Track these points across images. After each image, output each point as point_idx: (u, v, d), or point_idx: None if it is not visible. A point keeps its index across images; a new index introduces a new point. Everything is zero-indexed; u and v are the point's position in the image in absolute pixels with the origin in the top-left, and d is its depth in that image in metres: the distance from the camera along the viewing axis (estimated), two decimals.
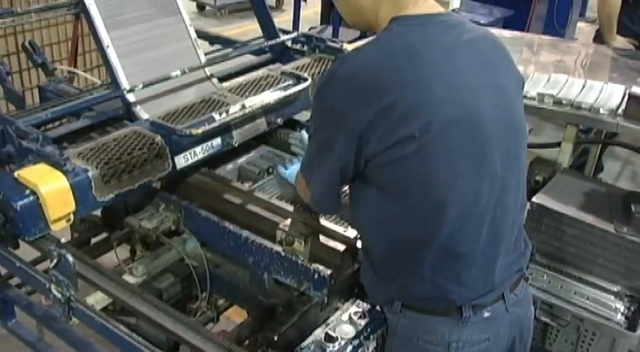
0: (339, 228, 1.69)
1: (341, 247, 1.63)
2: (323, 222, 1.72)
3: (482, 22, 4.84)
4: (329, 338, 1.41)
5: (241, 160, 2.18)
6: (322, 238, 1.67)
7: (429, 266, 1.34)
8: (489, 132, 1.32)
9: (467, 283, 1.36)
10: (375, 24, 1.42)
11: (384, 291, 1.45)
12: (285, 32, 2.63)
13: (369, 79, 1.27)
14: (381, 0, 1.37)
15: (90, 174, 1.60)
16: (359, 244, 1.63)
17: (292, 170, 1.89)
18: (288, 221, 1.68)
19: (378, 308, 1.52)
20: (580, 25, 7.20)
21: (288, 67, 2.28)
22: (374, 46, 1.34)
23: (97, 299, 1.66)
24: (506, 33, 3.83)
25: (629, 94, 2.60)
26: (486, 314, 1.40)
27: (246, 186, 1.95)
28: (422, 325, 1.40)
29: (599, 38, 3.96)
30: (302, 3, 5.97)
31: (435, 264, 1.34)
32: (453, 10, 5.02)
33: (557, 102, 2.68)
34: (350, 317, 1.48)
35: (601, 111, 2.60)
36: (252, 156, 2.21)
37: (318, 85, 1.37)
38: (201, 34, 2.51)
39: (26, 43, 2.43)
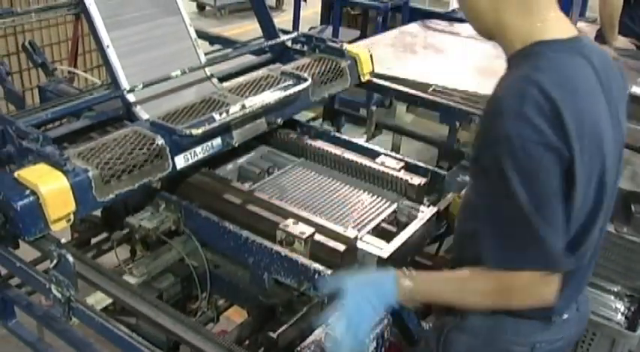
0: (339, 228, 1.69)
1: (341, 247, 1.64)
2: (323, 222, 1.73)
3: None
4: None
5: (241, 160, 2.18)
6: (322, 238, 1.67)
7: None
8: (610, 168, 1.31)
9: (567, 295, 1.40)
10: (495, 30, 1.33)
11: None
12: (285, 32, 2.63)
13: (559, 113, 1.18)
14: (498, 1, 1.29)
15: (90, 174, 1.60)
16: (362, 244, 1.63)
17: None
18: (288, 221, 1.69)
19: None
20: (580, 25, 7.17)
21: (288, 67, 2.28)
22: (542, 75, 1.21)
23: (97, 299, 1.66)
24: None
25: (629, 94, 2.60)
26: (565, 316, 1.45)
27: (246, 186, 1.95)
28: (510, 327, 1.42)
29: (600, 38, 3.96)
30: (302, 3, 5.95)
31: None
32: (453, 11, 5.01)
33: None
34: None
35: None
36: (252, 156, 2.21)
37: (506, 131, 1.18)
38: (201, 34, 2.51)
39: (26, 43, 2.44)
